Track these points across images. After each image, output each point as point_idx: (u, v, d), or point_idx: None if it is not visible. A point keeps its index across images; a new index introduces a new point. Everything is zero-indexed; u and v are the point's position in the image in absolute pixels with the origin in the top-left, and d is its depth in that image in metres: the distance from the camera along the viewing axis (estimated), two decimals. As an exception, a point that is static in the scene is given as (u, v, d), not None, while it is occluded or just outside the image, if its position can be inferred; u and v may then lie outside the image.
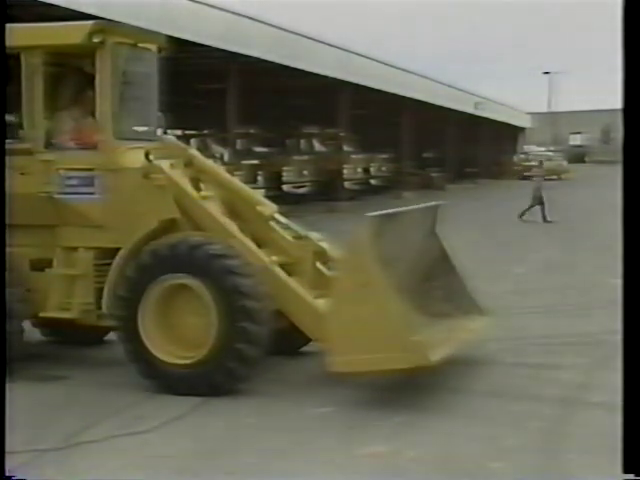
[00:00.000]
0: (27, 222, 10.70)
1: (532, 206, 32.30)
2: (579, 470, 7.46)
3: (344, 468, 7.57)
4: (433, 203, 11.76)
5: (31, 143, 10.67)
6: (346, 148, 45.50)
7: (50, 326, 11.63)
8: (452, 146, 62.05)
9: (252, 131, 43.39)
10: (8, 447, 6.57)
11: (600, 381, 10.28)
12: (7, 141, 10.79)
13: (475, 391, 9.86)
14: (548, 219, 31.28)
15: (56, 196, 10.57)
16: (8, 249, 10.60)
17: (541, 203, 32.03)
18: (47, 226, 10.72)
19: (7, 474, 5.20)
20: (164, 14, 24.22)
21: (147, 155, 10.47)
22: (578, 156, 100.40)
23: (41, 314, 10.79)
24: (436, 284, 10.74)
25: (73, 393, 10.01)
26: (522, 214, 32.15)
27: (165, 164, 10.52)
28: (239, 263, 9.74)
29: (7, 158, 10.63)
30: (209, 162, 11.55)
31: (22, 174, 10.56)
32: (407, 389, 9.52)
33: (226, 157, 33.48)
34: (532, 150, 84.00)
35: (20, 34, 10.67)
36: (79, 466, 7.68)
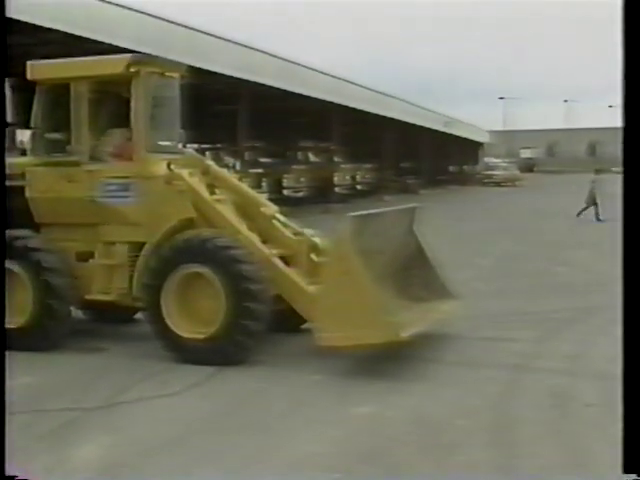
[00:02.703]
0: (74, 221, 10.82)
1: (588, 206, 31.65)
2: (533, 424, 7.52)
3: (339, 425, 7.59)
4: (411, 205, 11.76)
5: (78, 156, 10.71)
6: (336, 159, 45.65)
7: (91, 307, 11.67)
8: (425, 157, 62.19)
9: (258, 145, 43.44)
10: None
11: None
12: (58, 155, 10.91)
13: (445, 361, 9.89)
14: (601, 218, 30.18)
15: (98, 199, 10.60)
16: (60, 244, 10.74)
17: (595, 204, 31.36)
18: (90, 224, 10.74)
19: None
20: (186, 46, 24.27)
21: (169, 165, 10.55)
22: (528, 166, 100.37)
23: (86, 297, 10.85)
24: (413, 273, 10.76)
25: (110, 362, 10.05)
26: (579, 213, 31.51)
27: (185, 173, 10.58)
28: (243, 253, 9.82)
29: (59, 169, 10.78)
30: (222, 171, 11.61)
31: (70, 182, 10.69)
32: (388, 360, 9.53)
33: (237, 167, 33.49)
34: (490, 161, 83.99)
35: (68, 67, 10.83)
36: (118, 422, 7.73)
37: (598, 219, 30.29)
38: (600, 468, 6.53)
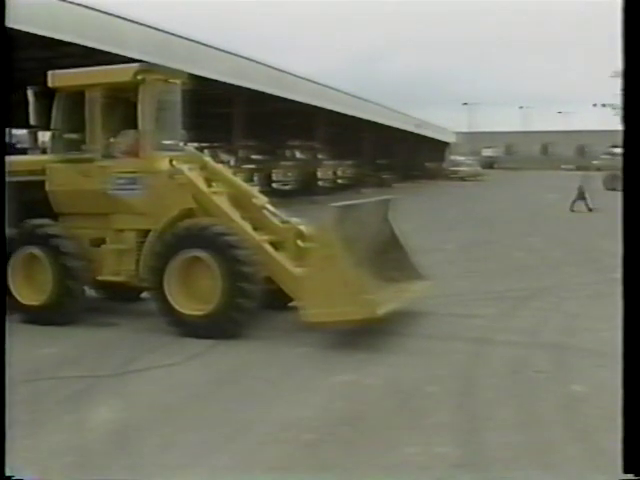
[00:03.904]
0: (88, 211, 10.83)
1: (578, 199, 31.18)
2: (492, 389, 7.56)
3: (322, 392, 7.63)
4: (385, 197, 11.81)
5: (92, 154, 10.72)
6: (320, 156, 45.49)
7: (103, 287, 11.66)
8: (399, 155, 62.20)
9: (251, 144, 43.19)
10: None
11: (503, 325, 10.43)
12: (74, 152, 10.92)
13: (416, 334, 9.91)
14: (590, 207, 30.02)
15: (109, 192, 10.60)
16: (75, 231, 10.74)
17: (583, 197, 30.98)
18: (102, 214, 10.74)
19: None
20: (187, 56, 24.20)
21: (171, 161, 10.57)
22: (489, 164, 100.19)
23: (98, 278, 10.87)
24: (388, 257, 10.78)
25: (120, 335, 10.05)
26: (588, 207, 30.70)
27: (185, 168, 10.59)
28: (237, 239, 9.83)
29: (75, 165, 10.77)
30: (218, 166, 11.63)
31: (85, 176, 10.70)
32: (366, 334, 9.56)
33: (231, 163, 33.42)
34: (456, 159, 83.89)
35: (84, 76, 10.81)
36: (127, 389, 7.75)
37: (589, 209, 30.32)
38: (548, 425, 6.62)
